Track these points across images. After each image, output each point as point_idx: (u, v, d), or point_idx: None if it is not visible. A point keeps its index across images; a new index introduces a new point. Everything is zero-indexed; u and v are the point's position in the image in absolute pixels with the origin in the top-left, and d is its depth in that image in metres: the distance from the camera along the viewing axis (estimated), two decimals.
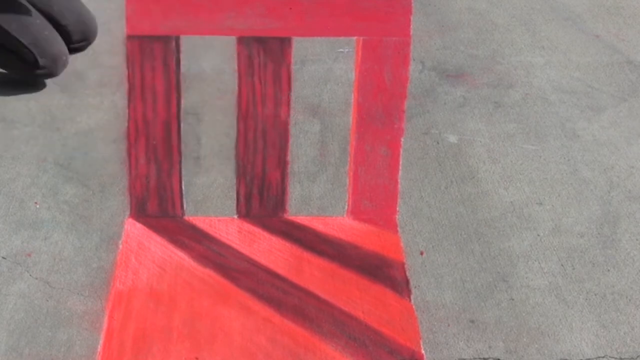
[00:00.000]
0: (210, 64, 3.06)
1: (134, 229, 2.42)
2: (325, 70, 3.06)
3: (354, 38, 3.04)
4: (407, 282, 2.26)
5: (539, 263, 2.28)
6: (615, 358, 2.00)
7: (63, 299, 2.15)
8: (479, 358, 2.00)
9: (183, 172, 2.63)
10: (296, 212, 2.50)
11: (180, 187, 2.59)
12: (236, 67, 2.96)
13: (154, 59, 2.85)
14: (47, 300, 2.14)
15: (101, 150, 2.70)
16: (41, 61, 2.93)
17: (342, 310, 2.15)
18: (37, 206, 2.45)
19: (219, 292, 2.20)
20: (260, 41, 2.78)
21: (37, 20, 2.96)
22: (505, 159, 2.73)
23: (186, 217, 2.48)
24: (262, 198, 2.56)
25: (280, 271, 2.28)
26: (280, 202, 2.56)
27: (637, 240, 2.36)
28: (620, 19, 3.73)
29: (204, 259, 2.31)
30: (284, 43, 2.83)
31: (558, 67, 3.30)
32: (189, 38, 3.01)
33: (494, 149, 2.75)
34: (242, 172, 2.66)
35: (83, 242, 2.33)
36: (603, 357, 2.00)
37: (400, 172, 2.56)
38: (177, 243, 2.37)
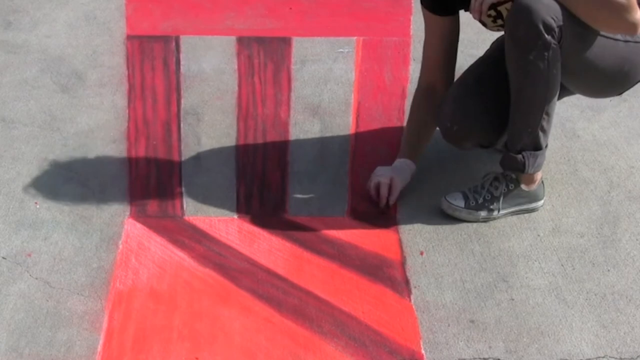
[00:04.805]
0: (210, 64, 3.06)
1: (134, 229, 2.42)
2: (325, 70, 3.06)
3: (354, 38, 3.04)
4: (407, 282, 2.26)
5: (539, 263, 2.28)
6: (615, 358, 2.00)
7: (63, 299, 2.14)
8: (479, 358, 2.00)
9: (183, 172, 2.63)
10: (296, 212, 2.50)
11: (180, 187, 2.59)
12: (236, 67, 2.95)
13: (154, 59, 2.85)
14: (47, 300, 2.14)
15: (101, 150, 2.70)
16: None
17: (342, 310, 2.15)
18: (37, 206, 2.45)
19: (219, 292, 2.20)
20: (260, 41, 2.77)
21: None
22: None
23: (186, 217, 2.48)
24: (262, 198, 2.56)
25: (280, 271, 2.28)
26: (280, 202, 2.55)
27: (637, 240, 2.36)
28: None
29: (204, 259, 2.31)
30: (284, 43, 2.82)
31: None
32: (189, 38, 3.00)
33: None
34: (242, 172, 2.66)
35: (83, 242, 2.33)
36: (603, 357, 2.00)
37: None
38: (177, 243, 2.36)
